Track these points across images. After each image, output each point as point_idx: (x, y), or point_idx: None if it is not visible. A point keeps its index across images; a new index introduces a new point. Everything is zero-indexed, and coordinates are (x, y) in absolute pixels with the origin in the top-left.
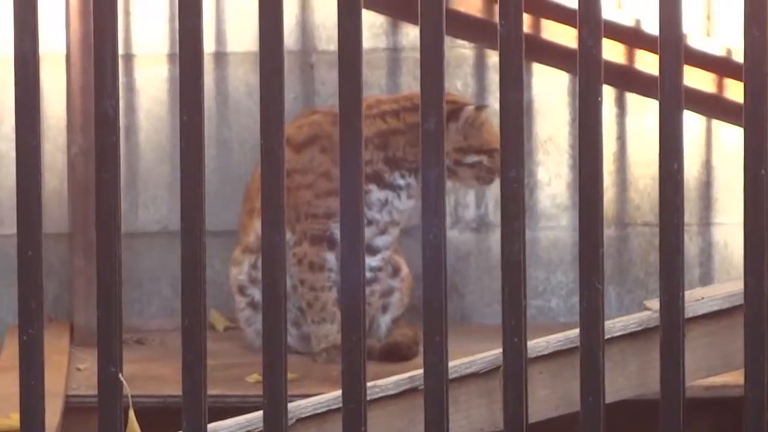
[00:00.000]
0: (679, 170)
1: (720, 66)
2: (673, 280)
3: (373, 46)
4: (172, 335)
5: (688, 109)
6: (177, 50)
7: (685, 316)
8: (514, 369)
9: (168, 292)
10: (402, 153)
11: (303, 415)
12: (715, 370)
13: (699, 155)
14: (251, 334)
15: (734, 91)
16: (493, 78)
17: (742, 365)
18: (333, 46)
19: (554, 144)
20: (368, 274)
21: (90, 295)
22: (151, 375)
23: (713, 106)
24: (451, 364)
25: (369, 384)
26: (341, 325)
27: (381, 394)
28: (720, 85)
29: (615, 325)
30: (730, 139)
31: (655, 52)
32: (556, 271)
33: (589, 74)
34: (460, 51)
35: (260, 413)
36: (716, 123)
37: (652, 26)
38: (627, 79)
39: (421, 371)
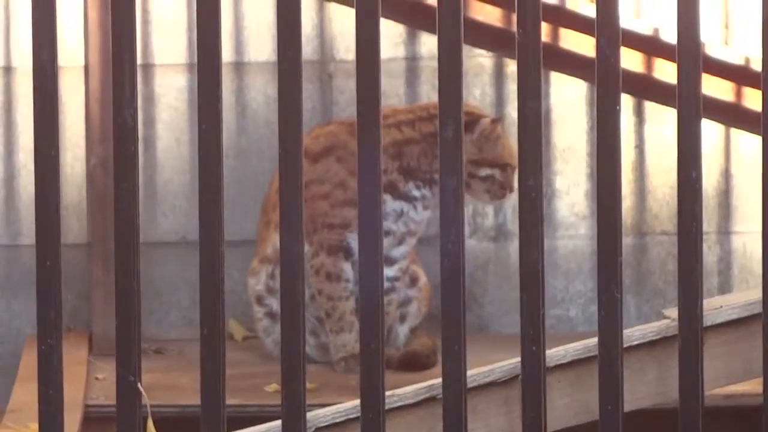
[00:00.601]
0: (698, 179)
1: (738, 75)
2: (692, 288)
3: (392, 55)
4: (191, 345)
5: (706, 118)
6: (195, 60)
7: (704, 325)
8: (533, 377)
9: (187, 302)
10: (416, 163)
11: (322, 425)
12: (734, 379)
13: (718, 164)
14: (270, 344)
15: (753, 99)
16: (512, 87)
17: (761, 373)
18: (351, 55)
19: (573, 153)
20: (386, 284)
21: (109, 305)
22: (170, 384)
23: (732, 115)
24: (469, 373)
25: (388, 393)
26: (360, 334)
27: (400, 404)
28: (738, 94)
29: (633, 333)
30: (749, 147)
31: (674, 61)
32: (574, 280)
33: (607, 83)
34: (478, 60)
35: (279, 422)
36: (735, 132)
37: (670, 35)
38: (645, 88)
39: (439, 380)
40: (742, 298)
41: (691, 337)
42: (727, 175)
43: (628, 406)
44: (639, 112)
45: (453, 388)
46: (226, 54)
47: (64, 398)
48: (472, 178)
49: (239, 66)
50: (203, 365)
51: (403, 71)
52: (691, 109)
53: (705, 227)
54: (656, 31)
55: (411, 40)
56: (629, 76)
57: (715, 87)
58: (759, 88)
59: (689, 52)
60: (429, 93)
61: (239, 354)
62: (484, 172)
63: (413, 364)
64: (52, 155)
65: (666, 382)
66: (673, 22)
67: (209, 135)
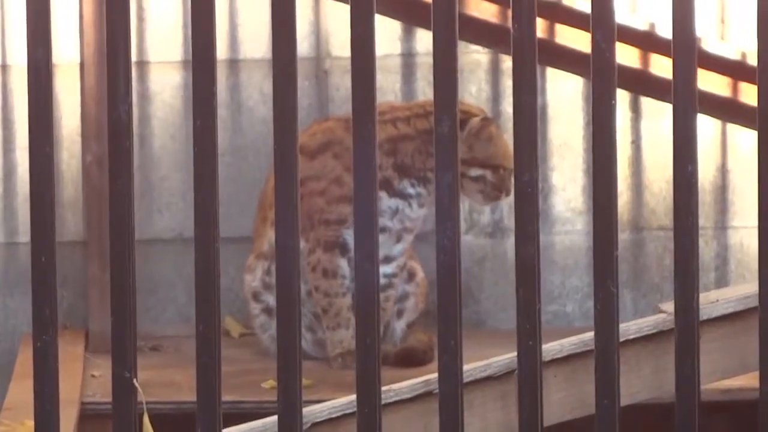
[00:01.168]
0: (694, 173)
1: (734, 69)
2: (688, 282)
3: (387, 51)
4: (187, 342)
5: (702, 113)
6: (191, 57)
7: (700, 319)
8: (529, 372)
9: (183, 299)
10: (410, 160)
11: (318, 420)
12: (731, 373)
13: (714, 159)
14: (266, 340)
15: (749, 94)
16: (507, 83)
17: (758, 367)
18: (347, 52)
19: (569, 148)
20: (383, 281)
21: (105, 303)
22: (166, 381)
23: (728, 110)
24: (466, 367)
25: (384, 388)
26: (356, 330)
27: (396, 398)
28: (735, 89)
29: (630, 327)
30: (746, 142)
31: (669, 56)
32: (571, 276)
33: (603, 78)
34: (474, 56)
35: (275, 418)
36: (731, 127)
37: (666, 30)
38: (641, 83)
39: (436, 375)
40: (739, 291)
41: (687, 330)
42: (723, 170)
43: (625, 400)
44: (635, 108)
45: (449, 383)
46: (221, 51)
47: (60, 395)
48: (463, 177)
49: (234, 63)
50: (199, 362)
51: (399, 67)
52: (687, 103)
53: (702, 222)
54: (652, 26)
55: (407, 36)
56: (625, 71)
57: (711, 82)
58: (755, 83)
59: (685, 47)
60: (425, 89)
61: (236, 351)
62: (475, 172)
63: (410, 359)
64: (47, 152)
65: (662, 376)
66: (668, 17)
67: (204, 132)
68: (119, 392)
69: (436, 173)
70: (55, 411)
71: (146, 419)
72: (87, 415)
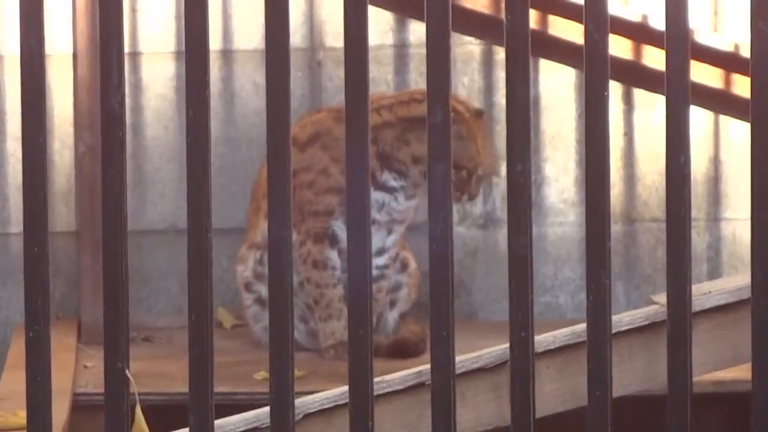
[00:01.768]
0: (686, 164)
1: (727, 61)
2: (680, 273)
3: (380, 42)
4: (180, 333)
5: (695, 105)
6: (183, 48)
7: (693, 310)
8: (522, 363)
9: (176, 290)
10: (390, 148)
11: (310, 411)
12: (723, 364)
13: (707, 151)
14: (259, 331)
15: (742, 86)
16: (500, 75)
17: (750, 359)
18: (340, 42)
19: (562, 139)
20: (375, 272)
21: (97, 293)
22: (159, 372)
23: (721, 102)
24: (458, 359)
25: (376, 379)
26: (348, 321)
27: (388, 389)
28: (727, 81)
29: (622, 319)
30: (738, 134)
31: (662, 48)
32: (563, 267)
33: (595, 69)
34: (467, 48)
35: (267, 409)
36: (724, 118)
37: (658, 21)
38: (634, 75)
39: (428, 366)
40: (731, 283)
41: (679, 322)
42: (716, 161)
43: (617, 392)
44: (628, 99)
45: (441, 374)
46: (214, 42)
47: (53, 386)
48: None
49: (227, 54)
50: (191, 352)
51: (392, 58)
52: (680, 95)
53: (694, 214)
54: (645, 17)
55: (399, 27)
56: (618, 62)
57: (704, 74)
58: (748, 75)
59: (678, 39)
60: (417, 80)
61: (228, 342)
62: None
63: (402, 351)
64: (40, 143)
65: (655, 368)
66: (661, 9)
67: (197, 122)
68: (112, 383)
69: (429, 164)
70: (48, 401)
71: (139, 410)
72: (79, 406)
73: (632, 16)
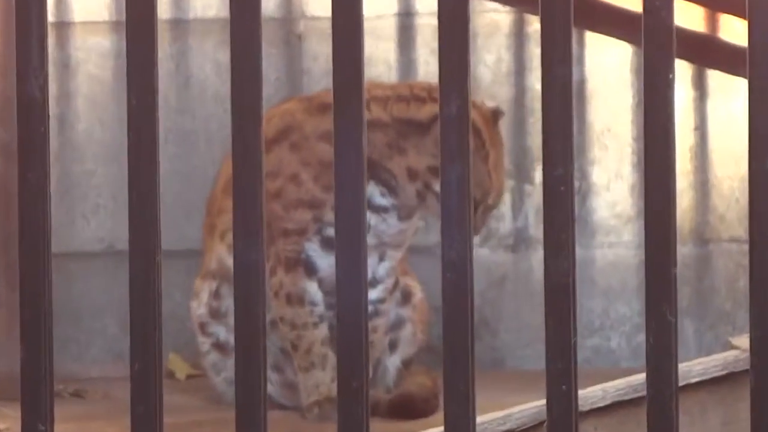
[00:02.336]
0: None
1: None
2: None
3: (380, 11)
4: (119, 385)
5: None
6: (123, 16)
7: None
8: (562, 425)
9: (114, 330)
10: (378, 155)
11: None
12: None
13: None
14: (221, 384)
15: None
16: (534, 51)
17: None
18: (327, 11)
19: (613, 136)
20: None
21: (13, 333)
22: None
23: None
24: (479, 419)
25: None
26: (337, 370)
27: None
28: None
29: (692, 368)
30: None
31: (744, 17)
32: (616, 301)
33: (657, 45)
34: (491, 17)
35: None
36: None
37: None
38: (708, 53)
39: (440, 429)
40: None
41: (766, 372)
42: None
43: None
44: (700, 84)
45: None
46: (164, 9)
47: None
48: (428, 189)
49: (180, 24)
50: (135, 411)
51: (395, 31)
52: (767, 78)
53: None
54: None
55: None
56: (687, 36)
57: None
58: None
59: (764, 5)
60: (428, 59)
61: (182, 397)
62: (439, 187)
63: (408, 409)
64: None
65: (734, 429)
66: None
67: (142, 113)
68: None
69: (441, 165)
70: None
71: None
72: None
73: None
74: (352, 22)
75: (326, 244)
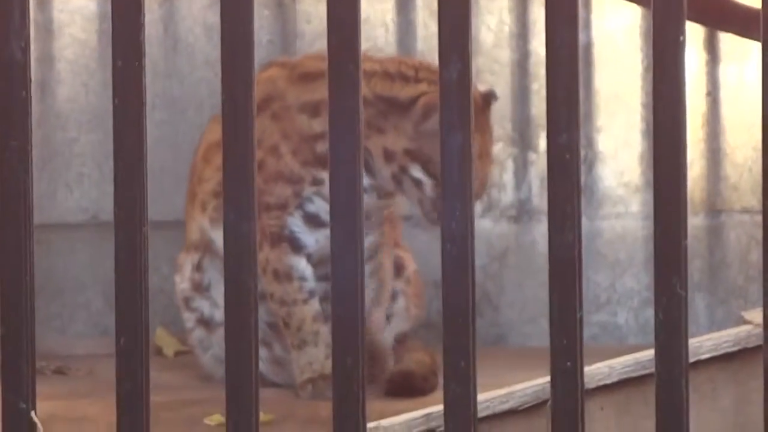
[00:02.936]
0: None
1: None
2: None
3: None
4: (104, 362)
5: None
6: None
7: None
8: (567, 403)
9: (98, 304)
10: None
11: None
12: None
13: None
14: (209, 362)
15: None
16: (539, 14)
17: None
18: None
19: (621, 102)
20: None
21: None
22: (76, 416)
23: None
24: (481, 397)
25: (370, 425)
26: (332, 346)
27: None
28: None
29: (703, 344)
30: None
31: None
32: (624, 275)
33: (667, 7)
34: None
35: None
36: None
37: None
38: (720, 15)
39: (439, 408)
40: None
41: None
42: None
43: None
44: (712, 48)
45: (458, 418)
46: None
47: None
48: (404, 173)
49: None
50: (120, 389)
51: None
52: None
53: None
54: None
55: None
56: None
57: None
58: None
59: None
60: (426, 21)
61: (170, 375)
62: (416, 173)
63: (406, 387)
64: None
65: (746, 409)
66: None
67: (128, 77)
68: (13, 429)
69: (441, 134)
70: None
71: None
72: None
73: None
74: None
75: (308, 219)
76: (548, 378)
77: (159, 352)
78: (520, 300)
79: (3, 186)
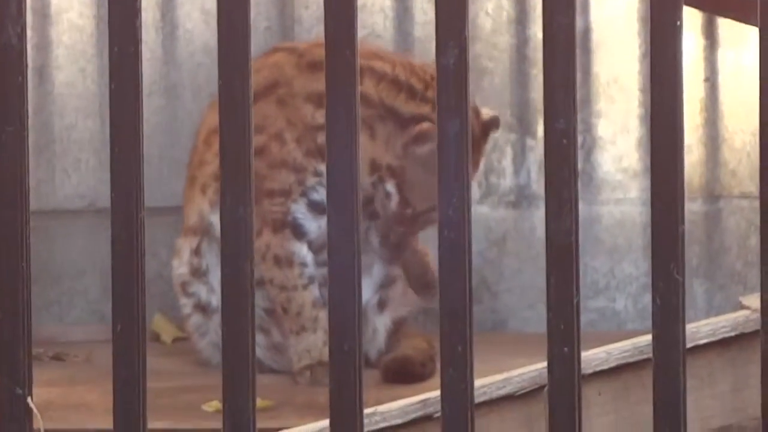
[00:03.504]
0: None
1: None
2: None
3: None
4: (101, 348)
5: None
6: None
7: None
8: (564, 388)
9: (96, 291)
10: None
11: None
12: None
13: None
14: (207, 348)
15: None
16: None
17: None
18: None
19: (620, 88)
20: None
21: None
22: (74, 402)
23: None
24: (477, 383)
25: (367, 411)
26: (329, 332)
27: (383, 424)
28: None
29: (700, 329)
30: None
31: None
32: (622, 261)
33: None
34: None
35: None
36: None
37: None
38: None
39: (437, 393)
40: None
41: None
42: None
43: (694, 425)
44: (710, 33)
45: (455, 404)
46: None
47: None
48: (381, 183)
49: None
50: (118, 375)
51: None
52: None
53: None
54: None
55: None
56: None
57: None
58: None
59: None
60: (424, 6)
61: (168, 361)
62: (390, 187)
63: (403, 373)
64: None
65: (744, 395)
66: None
67: (125, 63)
68: (9, 415)
69: (438, 119)
70: None
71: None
72: None
73: None
74: None
75: (313, 207)
76: (545, 363)
77: (157, 338)
78: (518, 286)
79: (0, 172)
